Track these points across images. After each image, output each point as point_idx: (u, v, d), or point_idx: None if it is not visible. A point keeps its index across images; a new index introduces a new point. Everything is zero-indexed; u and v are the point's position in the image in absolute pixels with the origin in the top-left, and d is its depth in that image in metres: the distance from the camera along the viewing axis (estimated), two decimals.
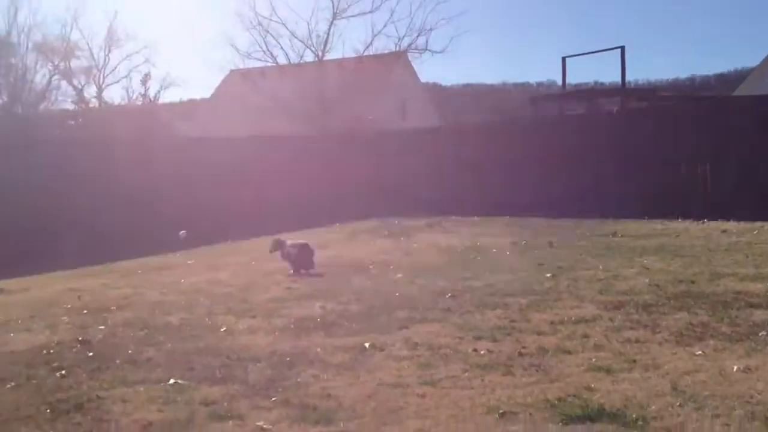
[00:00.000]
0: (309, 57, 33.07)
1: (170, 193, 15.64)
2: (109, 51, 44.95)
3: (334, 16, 32.15)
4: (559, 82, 26.13)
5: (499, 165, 18.00)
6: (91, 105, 37.35)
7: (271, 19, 34.14)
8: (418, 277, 9.31)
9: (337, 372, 5.34)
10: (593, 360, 5.31)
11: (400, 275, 9.57)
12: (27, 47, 38.82)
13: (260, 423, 4.32)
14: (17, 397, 5.04)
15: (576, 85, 37.41)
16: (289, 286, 9.10)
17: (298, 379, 5.18)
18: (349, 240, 14.08)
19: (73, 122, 25.48)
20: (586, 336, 6.03)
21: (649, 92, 27.38)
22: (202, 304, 8.20)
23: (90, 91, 42.18)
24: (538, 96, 28.98)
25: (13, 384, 5.35)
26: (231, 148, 17.84)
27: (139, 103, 29.75)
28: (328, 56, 32.98)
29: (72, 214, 13.80)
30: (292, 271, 10.07)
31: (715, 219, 13.85)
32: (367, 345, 6.00)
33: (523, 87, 75.14)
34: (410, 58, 36.44)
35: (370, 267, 10.41)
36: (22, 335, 7.00)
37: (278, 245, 10.53)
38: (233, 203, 16.62)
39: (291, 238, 11.11)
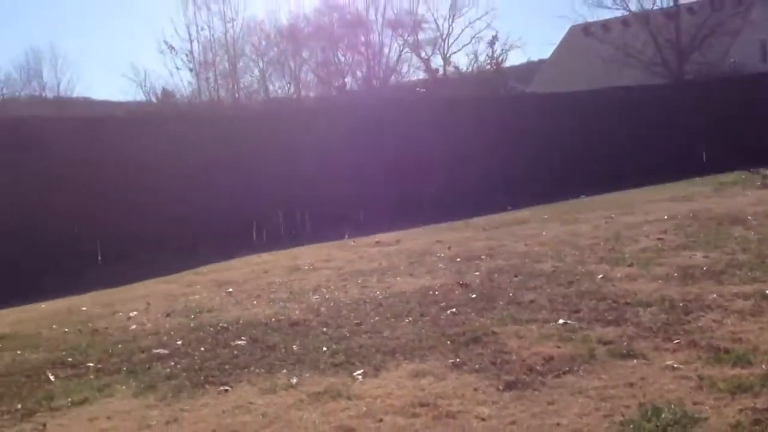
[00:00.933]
0: (662, 2, 31.03)
1: (507, 150, 15.62)
2: (453, 20, 46.80)
3: None
4: None
5: None
6: (438, 74, 39.13)
7: None
8: None
9: (742, 317, 4.90)
10: None
11: None
12: (382, 24, 42.09)
13: (669, 362, 4.08)
14: (417, 329, 5.39)
15: None
16: (660, 237, 8.61)
17: (699, 324, 4.84)
18: (716, 192, 12.94)
19: (422, 89, 26.89)
20: None
21: None
22: (570, 254, 8.10)
23: (436, 61, 44.40)
24: None
25: (410, 319, 5.74)
26: (572, 103, 17.38)
27: (488, 67, 30.42)
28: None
29: (427, 171, 14.47)
30: None
31: None
32: None
33: None
34: None
35: (749, 218, 9.45)
36: (407, 279, 7.52)
37: None
38: (578, 158, 16.29)
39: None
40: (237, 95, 35.34)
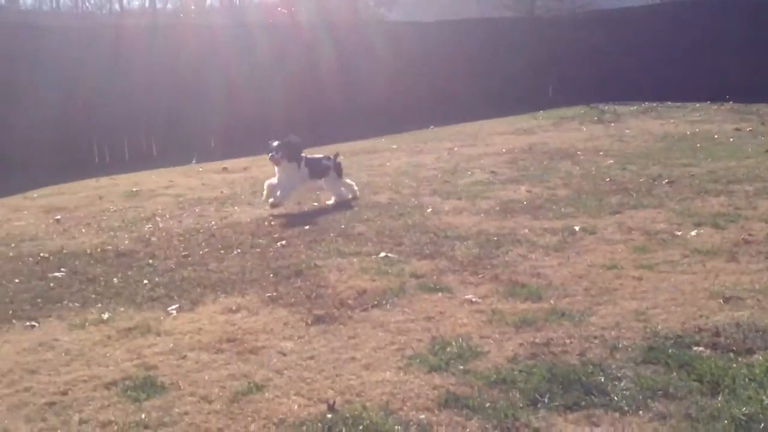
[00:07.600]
0: None
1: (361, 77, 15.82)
2: None
3: None
4: None
5: (723, 47, 16.36)
6: None
7: None
8: (631, 164, 8.85)
9: (546, 252, 5.24)
10: None
11: (611, 161, 9.14)
12: None
13: (469, 296, 4.34)
14: (243, 262, 5.43)
15: None
16: (494, 170, 9.00)
17: (506, 258, 5.14)
18: (555, 126, 13.58)
19: (284, 10, 25.95)
20: None
21: None
22: (408, 185, 8.34)
23: None
24: None
25: (239, 251, 5.76)
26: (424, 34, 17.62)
27: None
28: None
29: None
30: None
31: None
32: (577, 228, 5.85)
33: None
34: None
35: (579, 153, 10.03)
36: (246, 209, 7.52)
37: None
38: (431, 87, 16.65)
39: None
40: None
